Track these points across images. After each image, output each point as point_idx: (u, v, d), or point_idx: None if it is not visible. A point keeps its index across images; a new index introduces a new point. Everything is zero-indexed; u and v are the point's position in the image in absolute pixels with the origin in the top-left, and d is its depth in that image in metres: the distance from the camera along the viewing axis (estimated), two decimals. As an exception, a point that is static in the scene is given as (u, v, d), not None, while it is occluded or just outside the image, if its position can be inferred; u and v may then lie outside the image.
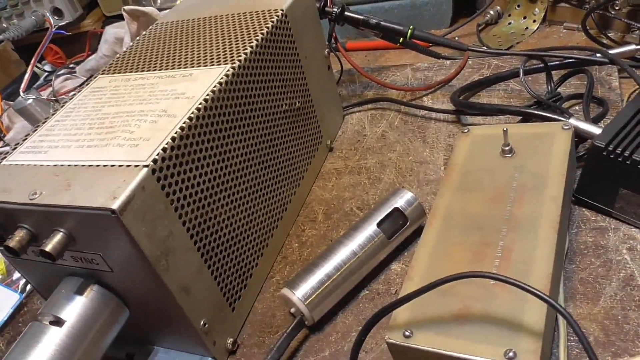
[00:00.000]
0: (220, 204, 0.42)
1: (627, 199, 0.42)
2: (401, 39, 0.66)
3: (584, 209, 0.45)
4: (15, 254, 0.36)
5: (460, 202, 0.43)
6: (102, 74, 0.49)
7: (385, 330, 0.37)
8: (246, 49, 0.45)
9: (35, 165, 0.38)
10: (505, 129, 0.45)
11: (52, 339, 0.36)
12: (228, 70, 0.43)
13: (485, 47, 0.71)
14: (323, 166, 0.60)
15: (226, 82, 0.42)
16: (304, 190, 0.56)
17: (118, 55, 0.52)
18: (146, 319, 0.41)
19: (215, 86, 0.41)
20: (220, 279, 0.42)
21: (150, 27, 0.58)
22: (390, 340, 0.35)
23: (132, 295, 0.39)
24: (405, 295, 0.35)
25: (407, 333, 0.35)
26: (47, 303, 0.38)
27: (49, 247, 0.34)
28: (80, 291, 0.38)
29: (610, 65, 0.58)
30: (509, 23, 0.76)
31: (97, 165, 0.36)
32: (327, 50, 0.60)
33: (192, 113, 0.38)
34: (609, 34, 0.67)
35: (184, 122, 0.38)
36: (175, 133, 0.37)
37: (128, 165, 0.35)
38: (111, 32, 0.80)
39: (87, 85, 0.48)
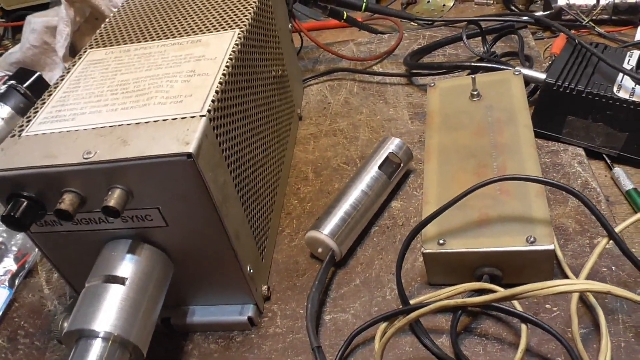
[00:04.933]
0: (247, 158, 0.45)
1: (572, 125, 0.52)
2: (345, 14, 0.72)
3: (537, 139, 0.55)
4: (67, 217, 0.36)
5: (449, 140, 0.50)
6: (91, 49, 0.49)
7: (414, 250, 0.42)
8: (246, 15, 0.48)
9: (68, 131, 0.38)
10: (473, 76, 0.53)
11: (116, 295, 0.37)
12: (239, 34, 0.46)
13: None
14: (298, 133, 0.64)
15: (241, 44, 0.45)
16: (290, 154, 0.60)
17: (99, 31, 0.52)
18: (186, 277, 0.42)
19: (233, 47, 0.44)
20: (253, 229, 0.45)
21: (124, 2, 0.57)
22: (427, 251, 0.41)
23: (181, 249, 0.40)
24: (433, 212, 0.41)
25: (440, 242, 0.41)
26: (96, 268, 0.39)
27: (112, 203, 0.35)
28: (132, 251, 0.39)
29: (524, 29, 0.70)
30: (428, 1, 0.86)
31: (147, 122, 0.37)
32: (290, 25, 0.64)
33: (224, 71, 0.41)
34: (516, 5, 0.79)
35: (221, 78, 0.40)
36: (217, 87, 0.39)
37: (183, 118, 0.37)
38: (39, 21, 0.76)
39: (79, 60, 0.48)
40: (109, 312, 0.36)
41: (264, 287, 0.46)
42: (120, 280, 0.37)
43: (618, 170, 0.50)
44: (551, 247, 0.38)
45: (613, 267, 0.42)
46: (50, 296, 0.51)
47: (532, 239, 0.39)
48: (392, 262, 0.47)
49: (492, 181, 0.39)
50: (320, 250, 0.47)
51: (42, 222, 0.38)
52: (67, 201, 0.36)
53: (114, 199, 0.35)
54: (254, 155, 0.47)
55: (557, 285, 0.29)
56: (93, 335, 0.35)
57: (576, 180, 0.50)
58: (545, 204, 0.41)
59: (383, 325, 0.40)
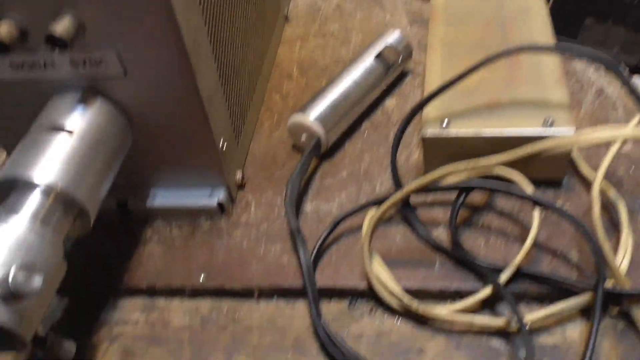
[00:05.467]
0: (225, 23, 0.38)
1: (590, 28, 0.47)
2: None
3: (547, 47, 0.50)
4: (3, 49, 0.30)
5: (455, 33, 0.45)
6: None
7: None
8: None
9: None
10: (486, -31, 0.48)
11: (63, 145, 0.31)
12: None
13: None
14: (283, 35, 0.58)
15: None
16: (273, 52, 0.54)
17: None
18: (148, 146, 0.36)
19: None
20: (227, 101, 0.39)
21: None
22: (428, 134, 0.36)
23: (143, 107, 0.34)
24: (437, 88, 0.36)
25: (444, 124, 0.36)
26: (40, 119, 0.32)
27: (57, 30, 0.29)
28: (84, 102, 0.32)
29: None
30: None
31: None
32: None
33: None
34: None
35: None
36: None
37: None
38: None
39: None
40: (52, 162, 0.30)
41: (238, 173, 0.40)
42: (68, 131, 0.31)
43: (636, 80, 0.46)
44: (572, 129, 0.33)
45: (633, 166, 0.37)
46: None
47: (550, 121, 0.34)
48: (384, 157, 0.41)
49: (506, 52, 0.34)
50: (304, 137, 0.41)
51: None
52: (3, 30, 0.29)
53: (59, 26, 0.29)
54: (232, 27, 0.40)
55: (599, 132, 0.24)
56: (30, 186, 0.29)
57: (590, 87, 0.45)
58: (565, 88, 0.36)
59: (372, 209, 0.35)
